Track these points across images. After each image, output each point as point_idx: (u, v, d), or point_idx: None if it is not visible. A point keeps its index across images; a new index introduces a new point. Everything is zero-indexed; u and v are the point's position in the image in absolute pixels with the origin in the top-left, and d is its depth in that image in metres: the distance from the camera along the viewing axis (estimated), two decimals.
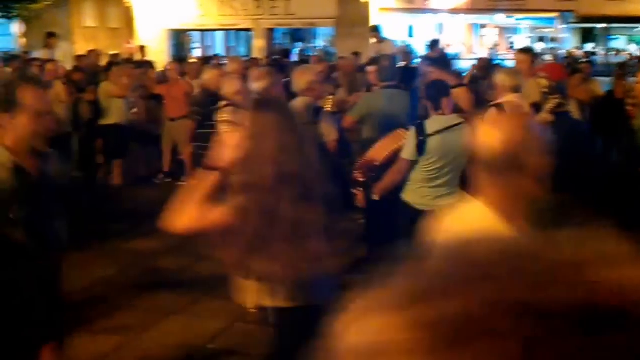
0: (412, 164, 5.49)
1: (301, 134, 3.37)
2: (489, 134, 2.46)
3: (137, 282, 6.66)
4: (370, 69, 7.96)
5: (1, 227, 3.03)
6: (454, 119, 5.45)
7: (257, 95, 5.91)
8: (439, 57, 9.02)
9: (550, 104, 5.75)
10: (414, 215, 5.42)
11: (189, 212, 3.16)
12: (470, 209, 2.53)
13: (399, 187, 5.65)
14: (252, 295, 3.67)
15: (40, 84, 3.17)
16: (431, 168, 5.45)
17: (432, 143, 5.36)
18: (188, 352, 5.32)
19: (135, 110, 11.07)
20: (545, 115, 5.67)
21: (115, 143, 10.44)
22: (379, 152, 5.95)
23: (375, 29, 14.28)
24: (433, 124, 5.43)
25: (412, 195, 5.55)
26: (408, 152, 5.49)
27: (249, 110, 3.51)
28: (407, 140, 5.53)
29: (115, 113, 10.28)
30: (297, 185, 3.19)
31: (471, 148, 2.47)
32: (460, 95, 6.71)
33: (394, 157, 5.70)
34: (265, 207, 3.16)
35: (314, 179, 3.28)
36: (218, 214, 3.19)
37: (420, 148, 5.38)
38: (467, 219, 2.44)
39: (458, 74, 8.48)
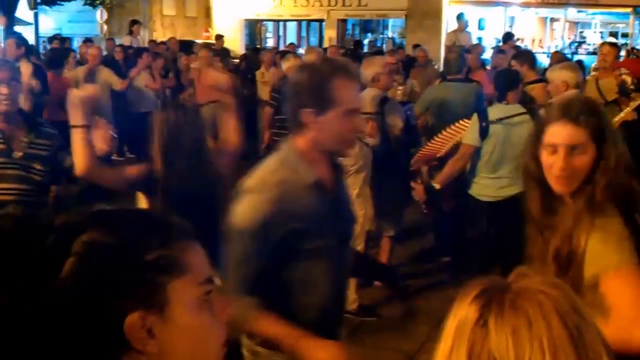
0: (475, 150, 5.50)
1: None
2: None
3: None
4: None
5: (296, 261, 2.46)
6: (517, 108, 5.46)
7: None
8: (522, 52, 9.07)
9: (636, 101, 5.54)
10: (478, 207, 5.62)
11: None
12: None
13: (460, 178, 5.69)
14: None
15: (356, 77, 2.62)
16: (492, 157, 5.45)
17: (493, 130, 5.37)
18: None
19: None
20: (629, 113, 5.55)
21: None
22: (439, 144, 6.00)
23: (460, 17, 14.46)
24: (496, 111, 5.47)
25: (474, 187, 5.58)
26: (471, 137, 5.51)
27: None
28: (469, 127, 5.57)
29: None
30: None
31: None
32: (539, 91, 6.75)
33: (454, 150, 5.73)
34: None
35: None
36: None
37: (483, 134, 5.40)
38: None
39: (539, 70, 8.53)
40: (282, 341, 2.37)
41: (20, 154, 3.78)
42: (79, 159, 3.37)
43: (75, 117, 3.35)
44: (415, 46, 13.89)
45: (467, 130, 5.59)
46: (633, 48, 16.22)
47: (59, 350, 1.01)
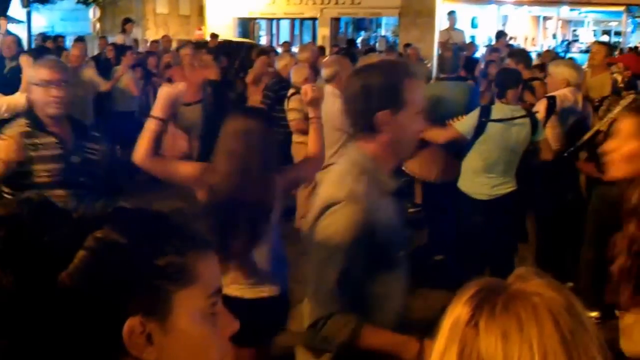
0: (462, 141, 5.48)
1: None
2: None
3: None
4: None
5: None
6: (517, 110, 5.47)
7: (326, 82, 6.21)
8: (519, 50, 9.09)
9: (626, 99, 5.54)
10: (472, 205, 5.60)
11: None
12: None
13: (455, 176, 5.66)
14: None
15: (422, 78, 2.53)
16: (490, 157, 5.42)
17: (492, 129, 5.37)
18: None
19: None
20: (620, 111, 5.61)
21: None
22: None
23: (450, 14, 14.55)
24: (498, 110, 5.46)
25: (469, 185, 5.56)
26: (464, 127, 5.50)
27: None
28: (467, 117, 5.55)
29: None
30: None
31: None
32: (538, 88, 6.76)
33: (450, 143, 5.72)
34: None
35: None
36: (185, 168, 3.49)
37: (479, 130, 5.38)
38: None
39: (539, 67, 8.55)
40: (394, 349, 2.29)
41: (78, 159, 3.69)
42: (141, 147, 3.35)
43: (157, 108, 3.37)
44: (407, 45, 13.91)
45: (463, 120, 5.59)
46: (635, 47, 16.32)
47: (54, 343, 0.99)
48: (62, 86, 3.65)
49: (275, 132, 3.62)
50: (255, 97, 10.49)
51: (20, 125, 3.63)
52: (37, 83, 3.64)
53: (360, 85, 2.36)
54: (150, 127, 3.35)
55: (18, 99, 5.87)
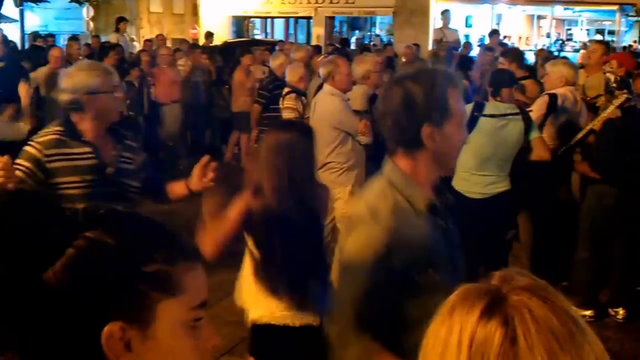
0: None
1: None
2: None
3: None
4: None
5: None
6: (510, 107, 5.48)
7: (323, 81, 6.22)
8: (511, 49, 9.11)
9: (619, 99, 5.58)
10: (466, 204, 5.48)
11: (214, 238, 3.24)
12: None
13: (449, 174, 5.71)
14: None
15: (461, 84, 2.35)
16: (482, 155, 5.40)
17: (485, 124, 5.37)
18: (247, 329, 5.51)
19: None
20: (613, 111, 5.63)
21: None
22: None
23: (446, 13, 14.57)
24: (491, 107, 5.47)
25: (463, 184, 5.54)
26: None
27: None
28: None
29: None
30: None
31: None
32: (529, 86, 6.78)
33: None
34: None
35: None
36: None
37: (470, 124, 5.31)
38: None
39: (527, 67, 8.58)
40: None
41: (112, 169, 3.47)
42: (211, 245, 3.28)
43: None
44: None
45: None
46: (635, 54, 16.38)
47: (32, 338, 0.99)
48: (119, 91, 3.55)
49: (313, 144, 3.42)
50: (242, 98, 10.54)
51: (52, 134, 3.41)
52: (104, 91, 3.40)
53: (402, 97, 2.19)
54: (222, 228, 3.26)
55: (22, 128, 5.83)
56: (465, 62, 9.78)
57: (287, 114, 7.25)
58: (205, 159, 3.48)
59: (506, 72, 6.01)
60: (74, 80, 3.38)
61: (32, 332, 0.98)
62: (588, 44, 16.19)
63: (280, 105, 7.43)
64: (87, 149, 3.40)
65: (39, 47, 12.44)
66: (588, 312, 5.40)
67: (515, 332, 0.99)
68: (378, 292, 2.13)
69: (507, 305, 1.02)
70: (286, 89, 7.43)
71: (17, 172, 3.22)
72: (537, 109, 5.92)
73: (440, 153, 2.21)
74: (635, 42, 24.48)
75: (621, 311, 5.57)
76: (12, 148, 3.55)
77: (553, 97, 5.95)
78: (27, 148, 3.35)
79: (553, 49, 22.15)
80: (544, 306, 1.02)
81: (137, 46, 16.50)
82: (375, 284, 2.12)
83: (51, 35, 15.63)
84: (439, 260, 2.20)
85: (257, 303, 3.44)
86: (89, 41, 15.08)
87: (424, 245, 2.16)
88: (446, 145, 2.20)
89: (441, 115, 2.16)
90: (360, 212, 2.21)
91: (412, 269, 2.12)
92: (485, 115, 5.38)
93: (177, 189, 3.60)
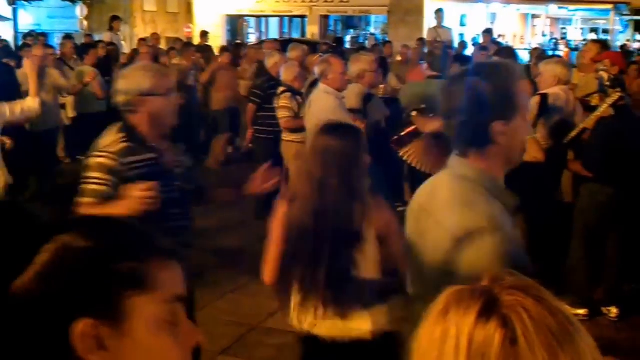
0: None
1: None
2: None
3: (196, 261, 6.93)
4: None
5: None
6: None
7: (318, 80, 6.21)
8: (505, 48, 9.10)
9: (612, 97, 5.59)
10: None
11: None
12: None
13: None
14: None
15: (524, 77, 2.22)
16: None
17: None
18: (245, 329, 5.38)
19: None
20: (606, 109, 5.64)
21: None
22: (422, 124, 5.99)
23: (440, 12, 14.59)
24: None
25: None
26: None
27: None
28: None
29: None
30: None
31: None
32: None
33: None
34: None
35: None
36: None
37: None
38: None
39: (522, 66, 8.58)
40: None
41: (171, 174, 3.38)
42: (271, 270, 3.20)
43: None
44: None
45: None
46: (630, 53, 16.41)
47: (4, 342, 0.99)
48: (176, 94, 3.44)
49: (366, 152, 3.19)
50: (218, 96, 10.54)
51: (120, 141, 3.27)
52: (157, 93, 3.29)
53: (471, 94, 2.12)
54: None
55: (31, 103, 5.80)
56: (463, 61, 9.75)
57: (281, 113, 7.26)
58: (266, 165, 3.48)
59: None
60: (127, 81, 3.30)
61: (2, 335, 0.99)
62: (581, 44, 16.25)
63: (275, 105, 7.43)
64: (151, 155, 3.31)
65: (29, 46, 12.40)
66: (582, 311, 5.41)
67: (515, 332, 0.99)
68: None
69: (502, 306, 1.02)
70: (281, 88, 7.44)
71: (100, 187, 3.15)
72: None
73: (508, 149, 2.15)
74: (629, 41, 24.54)
75: (614, 310, 5.58)
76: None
77: (544, 98, 5.94)
78: (100, 160, 3.22)
79: (547, 48, 22.18)
80: (539, 305, 1.02)
81: (124, 45, 16.42)
82: None
83: (42, 34, 15.58)
84: (525, 261, 2.10)
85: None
86: (83, 40, 15.04)
87: (520, 249, 2.11)
88: (515, 139, 2.15)
89: (510, 109, 2.11)
90: (473, 222, 2.04)
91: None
92: None
93: (223, 194, 3.64)
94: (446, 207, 2.14)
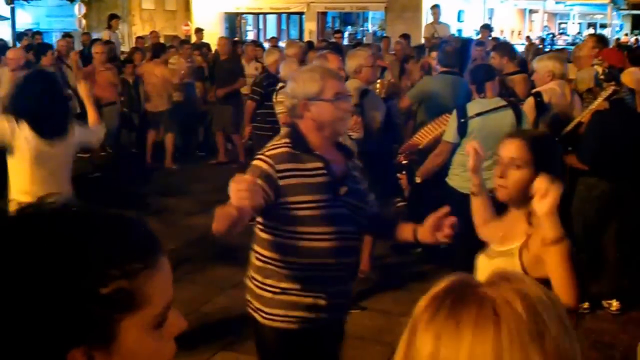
0: (454, 146, 5.45)
1: None
2: None
3: (196, 257, 6.89)
4: (433, 54, 8.16)
5: None
6: (496, 101, 5.42)
7: None
8: (502, 43, 9.11)
9: (606, 91, 5.58)
10: (459, 199, 5.66)
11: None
12: None
13: (442, 170, 5.63)
14: None
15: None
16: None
17: (473, 125, 5.34)
18: (245, 324, 5.46)
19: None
20: (600, 103, 5.63)
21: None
22: (423, 136, 6.03)
23: (436, 8, 14.59)
24: (474, 106, 5.41)
25: (456, 180, 5.48)
26: (449, 134, 5.49)
27: None
28: (449, 123, 5.54)
29: None
30: None
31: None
32: (518, 82, 6.77)
33: (437, 142, 5.71)
34: None
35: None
36: None
37: (461, 130, 5.36)
38: None
39: (519, 61, 8.59)
40: None
41: (345, 188, 3.10)
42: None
43: None
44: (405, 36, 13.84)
45: (447, 127, 5.60)
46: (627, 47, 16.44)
47: None
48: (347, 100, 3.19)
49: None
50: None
51: (282, 146, 3.08)
52: (324, 98, 3.07)
53: None
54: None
55: (98, 130, 5.45)
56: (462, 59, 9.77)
57: (280, 108, 7.25)
58: (444, 210, 3.04)
59: (483, 66, 6.00)
60: (295, 84, 3.12)
61: None
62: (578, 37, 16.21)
63: (274, 100, 7.43)
64: (319, 164, 3.05)
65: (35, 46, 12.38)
66: (582, 305, 5.43)
67: (422, 316, 1.03)
68: None
69: (490, 301, 1.01)
70: (280, 84, 7.43)
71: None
72: (527, 113, 5.92)
73: None
74: (626, 35, 24.57)
75: (615, 303, 5.60)
76: None
77: (538, 97, 5.92)
78: (257, 162, 3.02)
79: (545, 42, 22.20)
80: (520, 297, 1.01)
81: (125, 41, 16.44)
82: None
83: (39, 33, 15.58)
84: None
85: None
86: (81, 39, 15.05)
87: None
88: None
89: None
90: None
91: None
92: (471, 117, 5.36)
93: (405, 232, 3.19)
94: None
